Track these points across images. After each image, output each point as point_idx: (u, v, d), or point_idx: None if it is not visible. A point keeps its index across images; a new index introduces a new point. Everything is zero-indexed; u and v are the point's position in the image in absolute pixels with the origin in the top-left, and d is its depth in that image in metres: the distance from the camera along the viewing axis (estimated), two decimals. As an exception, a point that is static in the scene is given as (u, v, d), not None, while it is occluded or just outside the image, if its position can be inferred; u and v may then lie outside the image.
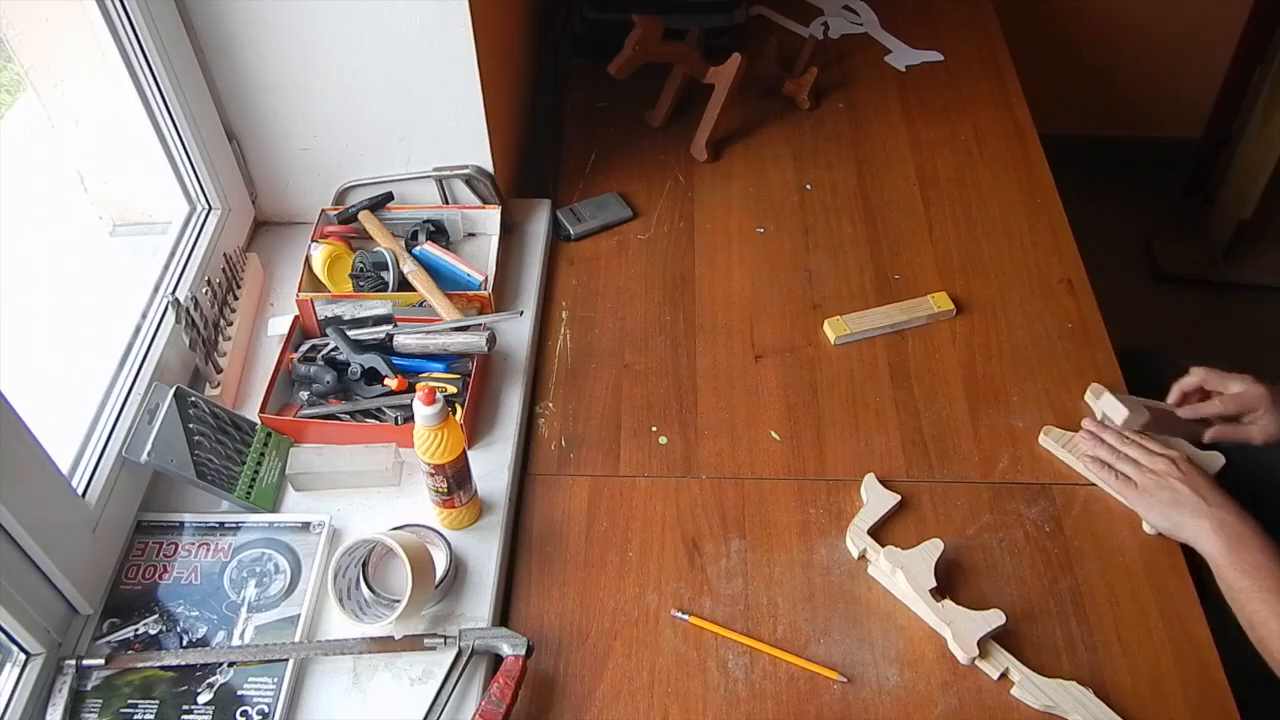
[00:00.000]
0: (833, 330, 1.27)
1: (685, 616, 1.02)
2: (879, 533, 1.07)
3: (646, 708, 0.96)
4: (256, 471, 1.08)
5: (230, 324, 1.21)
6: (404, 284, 1.23)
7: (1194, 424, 1.15)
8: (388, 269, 1.23)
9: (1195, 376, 1.16)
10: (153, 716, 0.92)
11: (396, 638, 0.96)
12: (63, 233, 1.39)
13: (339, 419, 1.13)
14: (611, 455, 1.16)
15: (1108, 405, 1.16)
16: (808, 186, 1.49)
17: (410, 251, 1.26)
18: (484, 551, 1.05)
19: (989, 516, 1.10)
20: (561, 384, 1.24)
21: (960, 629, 0.98)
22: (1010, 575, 1.05)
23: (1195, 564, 1.06)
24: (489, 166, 1.33)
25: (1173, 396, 1.17)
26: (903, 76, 1.69)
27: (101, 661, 0.94)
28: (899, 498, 1.09)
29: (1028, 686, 0.95)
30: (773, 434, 1.18)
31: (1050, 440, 1.16)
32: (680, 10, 1.62)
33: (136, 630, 0.97)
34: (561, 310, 1.32)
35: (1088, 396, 1.20)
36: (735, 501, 1.12)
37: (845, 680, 0.97)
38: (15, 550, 0.87)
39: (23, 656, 0.92)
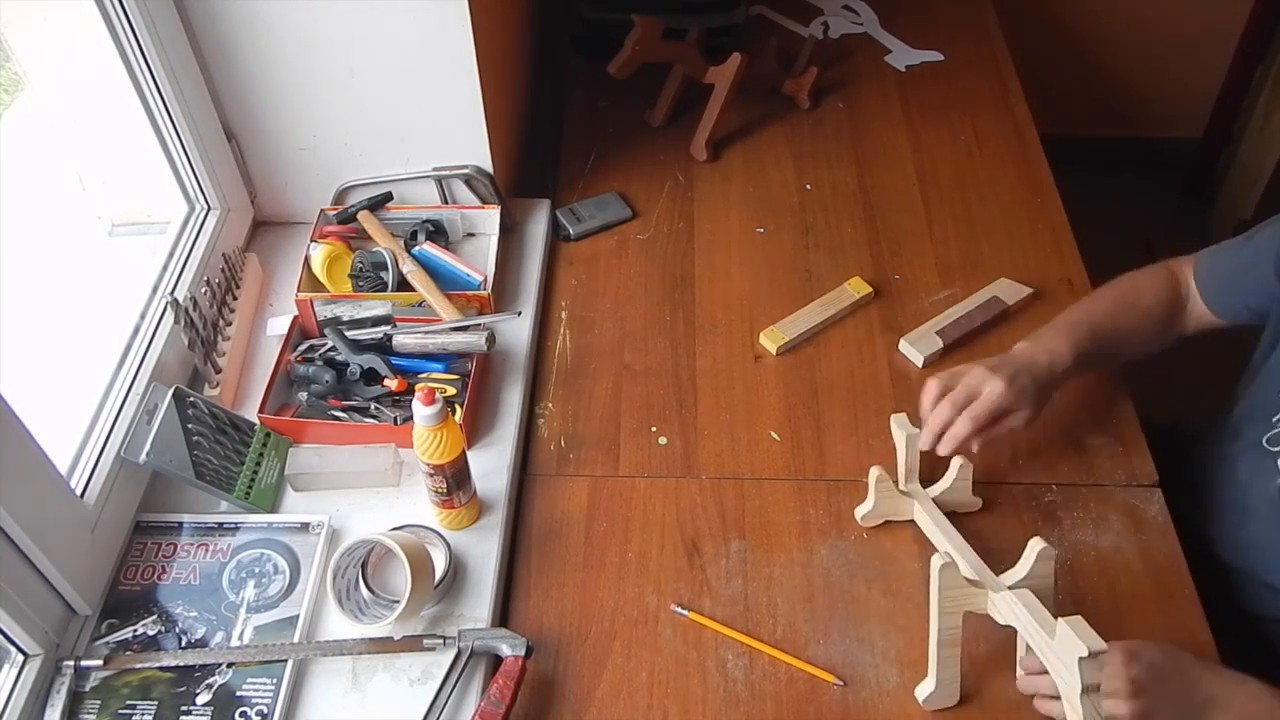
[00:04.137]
0: (771, 342, 1.26)
1: (684, 611, 1.02)
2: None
3: (646, 708, 0.96)
4: (255, 472, 1.08)
5: (229, 324, 1.21)
6: (403, 284, 1.23)
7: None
8: (387, 269, 1.23)
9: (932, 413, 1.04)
10: (151, 717, 0.91)
11: (396, 638, 0.96)
12: (61, 233, 1.39)
13: (338, 419, 1.12)
14: (611, 455, 1.16)
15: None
16: (808, 186, 1.49)
17: (409, 251, 1.26)
18: (483, 552, 1.05)
19: (989, 517, 1.10)
20: (561, 384, 1.23)
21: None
22: (1010, 576, 1.05)
23: (1196, 563, 1.05)
24: (488, 166, 1.33)
25: (926, 442, 1.05)
26: (902, 76, 1.69)
27: (100, 662, 0.93)
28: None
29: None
30: (772, 434, 1.18)
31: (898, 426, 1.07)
32: (680, 10, 1.62)
33: (135, 631, 0.97)
34: (561, 310, 1.32)
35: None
36: (735, 502, 1.11)
37: (841, 684, 0.97)
38: (13, 551, 0.87)
39: (21, 657, 0.92)
